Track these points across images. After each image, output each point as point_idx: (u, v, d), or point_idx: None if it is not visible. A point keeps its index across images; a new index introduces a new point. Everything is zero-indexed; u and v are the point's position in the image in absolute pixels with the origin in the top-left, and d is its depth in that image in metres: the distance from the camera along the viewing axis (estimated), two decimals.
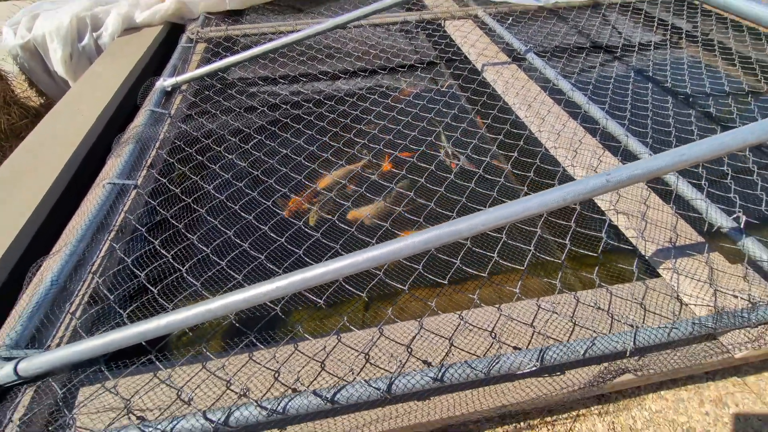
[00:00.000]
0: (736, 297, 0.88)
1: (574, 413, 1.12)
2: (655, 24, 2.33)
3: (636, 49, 2.08)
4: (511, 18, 2.31)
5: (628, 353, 0.77)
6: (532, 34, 2.17)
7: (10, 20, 2.04)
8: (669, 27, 2.32)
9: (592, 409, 1.13)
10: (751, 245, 0.98)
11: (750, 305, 0.84)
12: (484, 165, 1.33)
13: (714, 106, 1.62)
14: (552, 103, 1.58)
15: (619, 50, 2.06)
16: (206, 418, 0.65)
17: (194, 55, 2.00)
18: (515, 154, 1.35)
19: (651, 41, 2.15)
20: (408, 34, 2.34)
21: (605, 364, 0.82)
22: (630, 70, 1.90)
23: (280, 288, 0.67)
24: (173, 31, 2.37)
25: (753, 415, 1.13)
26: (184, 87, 1.73)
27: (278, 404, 0.67)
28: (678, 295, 0.94)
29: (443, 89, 1.86)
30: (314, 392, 0.69)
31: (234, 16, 2.47)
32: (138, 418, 0.71)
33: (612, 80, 1.73)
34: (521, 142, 1.40)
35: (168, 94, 1.66)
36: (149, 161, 1.31)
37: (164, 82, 1.65)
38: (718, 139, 0.66)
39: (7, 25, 2.02)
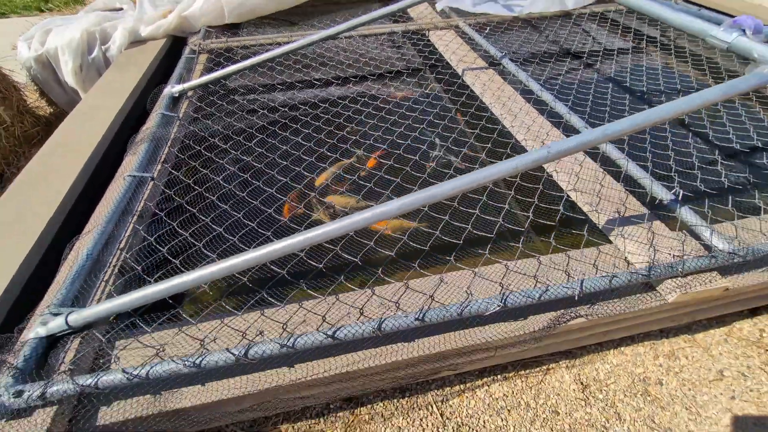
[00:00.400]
0: (670, 254, 1.05)
1: (545, 367, 1.28)
2: (619, 31, 2.55)
3: (599, 53, 2.29)
4: (488, 27, 2.52)
5: (576, 298, 0.93)
6: (508, 42, 2.38)
7: (24, 35, 2.19)
8: (631, 33, 2.54)
9: (561, 363, 1.29)
10: (685, 213, 1.15)
11: (680, 258, 1.01)
12: (461, 155, 1.50)
13: (666, 99, 1.82)
14: (523, 102, 1.77)
15: (584, 55, 2.27)
16: (230, 352, 0.80)
17: (197, 64, 2.17)
18: (489, 145, 1.52)
19: (614, 47, 2.37)
20: (395, 44, 2.54)
21: (561, 311, 0.98)
22: (593, 73, 2.10)
23: (290, 245, 0.82)
24: (175, 43, 2.55)
25: (700, 364, 1.30)
26: (190, 93, 1.89)
27: (288, 340, 0.82)
28: (625, 257, 1.11)
29: (428, 91, 2.05)
30: (319, 331, 0.84)
31: (232, 29, 2.65)
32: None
33: (576, 81, 1.93)
34: (495, 135, 1.58)
35: (176, 100, 1.82)
36: (163, 157, 1.46)
37: (172, 88, 1.81)
38: (637, 117, 0.84)
39: (21, 40, 2.17)
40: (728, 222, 1.18)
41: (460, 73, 2.08)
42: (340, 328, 0.85)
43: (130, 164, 1.38)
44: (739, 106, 1.80)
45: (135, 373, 0.76)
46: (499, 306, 0.88)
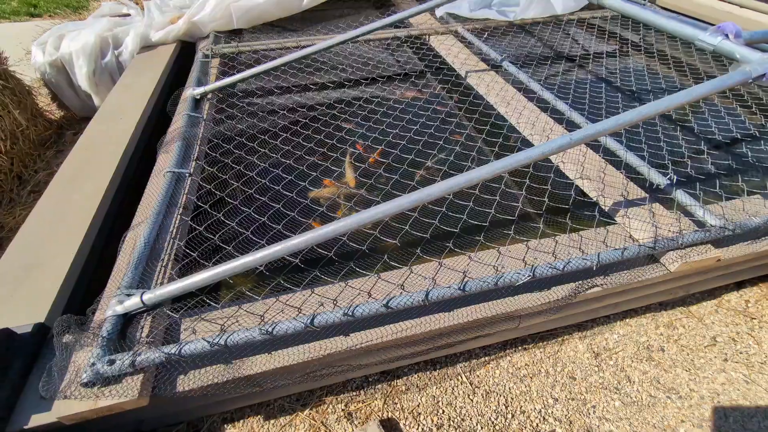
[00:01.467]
0: (669, 231, 1.19)
1: (560, 339, 1.41)
2: (607, 36, 2.75)
3: (591, 55, 2.47)
4: (486, 33, 2.68)
5: (594, 268, 1.06)
6: (505, 46, 2.54)
7: (37, 40, 2.22)
8: (618, 38, 2.74)
9: (574, 335, 1.43)
10: (680, 195, 1.31)
11: (678, 233, 1.15)
12: (475, 151, 1.63)
13: (652, 97, 2.00)
14: (526, 101, 1.91)
15: (578, 57, 2.45)
16: (299, 321, 0.89)
17: (211, 68, 2.24)
18: (500, 140, 1.66)
19: (604, 50, 2.55)
20: (399, 48, 2.67)
21: (580, 281, 1.11)
22: (587, 73, 2.28)
23: (336, 229, 0.92)
24: (184, 48, 2.61)
25: (696, 332, 1.45)
26: (209, 95, 1.97)
27: (349, 309, 0.92)
28: (630, 234, 1.25)
29: (435, 92, 2.17)
30: (375, 300, 0.94)
31: (239, 33, 2.74)
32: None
33: (572, 82, 2.09)
34: (504, 131, 1.71)
35: (197, 102, 1.89)
36: (195, 154, 1.53)
37: (194, 91, 1.88)
38: (643, 108, 0.97)
39: (35, 45, 2.20)
40: (717, 203, 1.34)
41: (464, 76, 2.21)
42: (392, 298, 0.95)
43: (166, 161, 1.45)
44: (719, 103, 1.99)
45: (215, 341, 0.85)
46: (529, 276, 1.00)
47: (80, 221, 1.22)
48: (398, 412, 1.20)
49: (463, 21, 2.81)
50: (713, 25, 1.24)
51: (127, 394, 0.81)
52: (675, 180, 1.35)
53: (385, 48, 2.64)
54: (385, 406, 1.21)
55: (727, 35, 1.10)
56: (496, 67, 2.24)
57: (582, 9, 2.98)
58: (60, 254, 1.12)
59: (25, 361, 0.89)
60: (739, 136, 1.76)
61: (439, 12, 2.90)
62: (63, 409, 0.80)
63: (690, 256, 1.14)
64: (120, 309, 0.92)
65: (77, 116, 2.46)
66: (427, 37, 2.67)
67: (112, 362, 0.82)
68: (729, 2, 3.11)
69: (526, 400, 1.24)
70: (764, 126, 1.85)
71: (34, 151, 2.14)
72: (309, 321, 0.90)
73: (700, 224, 1.23)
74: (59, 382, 0.82)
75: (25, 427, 0.81)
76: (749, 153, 1.64)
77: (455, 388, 1.26)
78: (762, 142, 1.72)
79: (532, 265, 1.02)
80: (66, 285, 1.06)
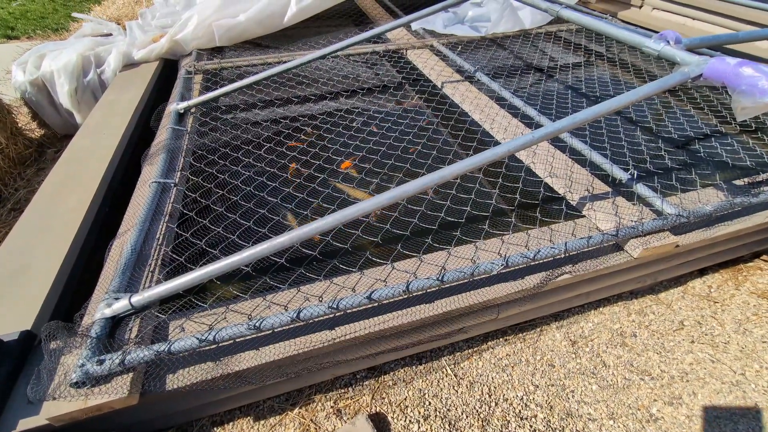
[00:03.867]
0: (631, 220, 1.29)
1: (539, 329, 1.48)
2: (572, 47, 2.93)
3: (558, 66, 2.63)
4: (459, 46, 2.82)
5: (563, 255, 1.13)
6: (478, 58, 2.67)
7: (18, 60, 2.23)
8: (583, 49, 2.92)
9: (551, 325, 1.50)
10: (640, 188, 1.41)
11: (639, 222, 1.24)
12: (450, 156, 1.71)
13: None
14: (498, 108, 2.02)
15: (545, 67, 2.60)
16: (284, 315, 0.93)
17: (195, 84, 2.29)
18: (474, 144, 1.75)
19: (570, 60, 2.72)
20: (378, 62, 2.77)
21: (550, 270, 1.18)
22: (555, 81, 2.42)
23: (313, 230, 0.97)
24: (167, 66, 2.66)
25: (665, 318, 1.53)
26: (193, 110, 2.01)
27: (334, 302, 0.96)
28: (596, 225, 1.33)
29: (413, 102, 2.27)
30: (358, 294, 0.98)
31: (220, 51, 2.80)
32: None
33: (540, 89, 2.22)
34: (478, 135, 1.81)
35: (181, 116, 1.94)
36: (180, 165, 1.57)
37: (177, 105, 1.93)
38: (595, 107, 1.07)
39: (15, 65, 2.21)
40: (675, 194, 1.44)
41: (440, 86, 2.32)
42: (374, 291, 1.00)
43: (151, 173, 1.48)
44: (675, 105, 2.15)
45: (204, 337, 0.88)
46: (502, 265, 1.07)
47: (66, 230, 1.24)
48: (386, 406, 1.23)
49: (438, 36, 2.95)
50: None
51: (116, 392, 0.83)
52: (635, 175, 1.46)
53: (364, 62, 2.74)
54: (374, 401, 1.25)
55: (668, 41, 1.22)
56: (469, 77, 2.36)
57: (549, 23, 3.17)
58: (46, 262, 1.13)
59: (11, 367, 0.89)
60: (693, 135, 1.90)
61: (414, 26, 3.04)
62: (52, 410, 0.82)
63: (650, 243, 1.23)
64: (108, 312, 0.94)
65: (58, 134, 2.46)
66: (405, 51, 2.79)
67: (101, 362, 0.84)
68: (682, 15, 3.36)
69: (508, 388, 1.29)
70: (715, 125, 2.00)
71: (14, 169, 2.13)
72: (295, 315, 0.93)
73: (659, 214, 1.33)
74: (48, 384, 0.83)
75: (14, 431, 0.81)
76: (701, 149, 1.78)
77: (440, 381, 1.31)
78: (713, 139, 1.86)
79: (505, 255, 1.09)
80: (52, 292, 1.07)
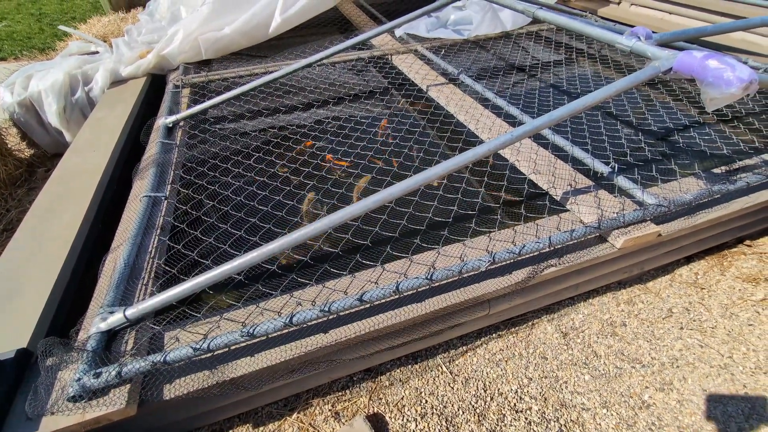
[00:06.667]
0: (613, 212, 1.32)
1: (530, 323, 1.50)
2: (553, 45, 2.99)
3: (539, 65, 2.68)
4: (443, 50, 2.87)
5: (547, 249, 1.16)
6: (462, 61, 2.72)
7: (5, 81, 2.25)
8: (564, 47, 2.99)
9: (543, 318, 1.52)
10: (621, 181, 1.45)
11: (620, 213, 1.28)
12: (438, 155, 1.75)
13: None
14: (483, 109, 2.06)
15: (527, 67, 2.65)
16: (278, 320, 0.95)
17: (183, 97, 2.31)
18: (460, 144, 1.78)
19: (549, 59, 2.78)
20: (364, 68, 2.81)
21: (537, 264, 1.21)
22: (537, 80, 2.47)
23: (303, 235, 1.00)
24: (155, 81, 2.68)
25: (653, 306, 1.56)
26: (181, 123, 2.03)
27: (326, 305, 0.98)
28: (580, 219, 1.37)
29: (399, 106, 2.31)
30: (349, 296, 1.01)
31: (208, 63, 2.83)
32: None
33: (523, 89, 2.27)
34: (464, 136, 1.84)
35: (170, 130, 1.95)
36: (170, 179, 1.59)
37: (166, 120, 1.95)
38: (571, 104, 1.11)
39: (2, 86, 2.22)
40: (655, 185, 1.48)
41: (425, 90, 2.36)
42: (365, 292, 1.02)
43: (142, 187, 1.50)
44: (653, 98, 2.20)
45: (199, 346, 0.89)
46: (489, 261, 1.09)
47: (59, 248, 1.25)
48: (384, 407, 1.25)
49: (422, 41, 3.00)
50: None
51: (114, 404, 0.84)
52: (616, 168, 1.50)
53: (350, 69, 2.78)
54: (371, 402, 1.26)
55: (639, 38, 1.27)
56: (453, 80, 2.40)
57: (530, 23, 3.23)
58: (40, 280, 1.14)
59: (8, 385, 0.90)
60: (671, 126, 1.95)
61: (398, 32, 3.08)
62: (51, 425, 0.83)
63: (632, 233, 1.26)
64: (104, 326, 0.95)
65: (48, 153, 2.46)
66: (390, 56, 2.83)
67: (98, 375, 0.85)
68: (659, 10, 3.44)
69: (502, 382, 1.32)
70: (693, 116, 2.06)
71: (4, 190, 2.14)
72: (288, 320, 0.95)
73: (640, 204, 1.37)
74: (46, 400, 0.84)
75: None
76: (680, 140, 1.83)
77: (436, 378, 1.33)
78: (691, 129, 1.91)
79: (492, 252, 1.12)
80: (47, 309, 1.08)
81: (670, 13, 3.38)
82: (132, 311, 0.97)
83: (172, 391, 0.92)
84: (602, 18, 3.60)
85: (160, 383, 0.92)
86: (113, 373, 0.85)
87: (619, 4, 3.77)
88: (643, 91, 2.34)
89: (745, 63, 2.29)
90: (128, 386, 0.88)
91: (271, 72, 2.27)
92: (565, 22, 1.56)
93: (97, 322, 0.96)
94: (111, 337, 0.98)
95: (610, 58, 2.73)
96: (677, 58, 1.11)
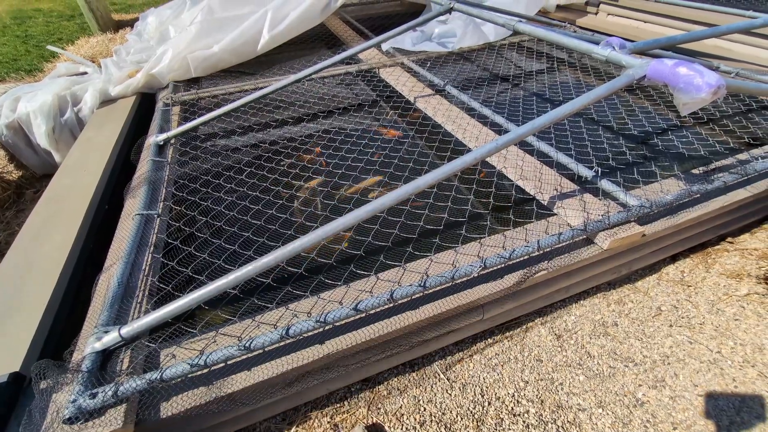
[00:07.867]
0: (599, 215, 1.36)
1: (524, 326, 1.53)
2: (535, 55, 3.08)
3: (522, 74, 2.76)
4: (429, 62, 2.94)
5: (536, 253, 1.19)
6: (447, 72, 2.79)
7: None
8: (545, 56, 3.08)
9: (536, 321, 1.55)
10: (605, 184, 1.49)
11: (605, 215, 1.32)
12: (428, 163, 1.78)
13: None
14: (469, 118, 2.11)
15: (511, 76, 2.73)
16: (274, 333, 0.96)
17: (173, 115, 2.33)
18: (448, 153, 1.82)
19: (532, 69, 2.86)
20: (352, 82, 2.87)
21: (528, 268, 1.24)
22: (521, 89, 2.54)
23: (298, 247, 1.02)
24: (144, 99, 2.70)
25: (643, 305, 1.60)
26: (172, 141, 2.04)
27: (321, 316, 0.99)
28: (567, 222, 1.41)
29: (387, 117, 2.35)
30: (344, 306, 1.02)
31: (197, 81, 2.86)
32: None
33: (507, 98, 2.33)
34: (452, 145, 1.88)
35: (161, 147, 1.97)
36: (163, 196, 1.59)
37: (156, 138, 1.96)
38: (552, 112, 1.15)
39: None
40: (638, 187, 1.53)
41: (413, 101, 2.42)
42: (360, 302, 1.04)
43: (134, 205, 1.50)
44: (633, 103, 2.28)
45: (195, 362, 0.90)
46: (480, 266, 1.12)
47: (51, 269, 1.25)
48: (382, 416, 1.25)
49: (408, 54, 3.07)
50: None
51: (110, 424, 0.83)
52: (599, 172, 1.55)
53: (339, 83, 2.83)
54: (370, 412, 1.26)
55: (614, 47, 1.33)
56: (440, 91, 2.46)
57: (512, 35, 3.33)
58: (32, 302, 1.13)
59: (2, 410, 0.89)
60: (651, 130, 2.03)
61: (385, 47, 3.15)
62: None
63: (617, 234, 1.30)
64: (99, 345, 0.95)
65: (37, 174, 2.45)
66: (377, 70, 2.89)
67: (93, 396, 0.85)
68: (634, 19, 3.58)
69: (499, 386, 1.33)
70: (671, 119, 2.14)
71: None
72: (284, 332, 0.96)
73: (624, 206, 1.41)
74: (41, 423, 0.83)
75: None
76: (660, 143, 1.89)
77: (434, 386, 1.33)
78: (670, 132, 1.98)
79: (483, 258, 1.14)
80: (40, 332, 1.07)
81: (645, 22, 3.52)
82: (127, 329, 0.97)
83: (170, 408, 0.91)
84: (581, 28, 3.74)
85: (157, 401, 0.91)
86: (109, 393, 0.85)
87: (596, 14, 3.92)
88: (622, 96, 2.42)
89: (717, 68, 2.39)
90: (125, 406, 0.87)
91: (261, 88, 2.31)
92: (543, 34, 1.62)
93: (91, 341, 0.96)
94: (106, 356, 0.97)
95: (590, 66, 2.83)
96: (650, 66, 1.17)
